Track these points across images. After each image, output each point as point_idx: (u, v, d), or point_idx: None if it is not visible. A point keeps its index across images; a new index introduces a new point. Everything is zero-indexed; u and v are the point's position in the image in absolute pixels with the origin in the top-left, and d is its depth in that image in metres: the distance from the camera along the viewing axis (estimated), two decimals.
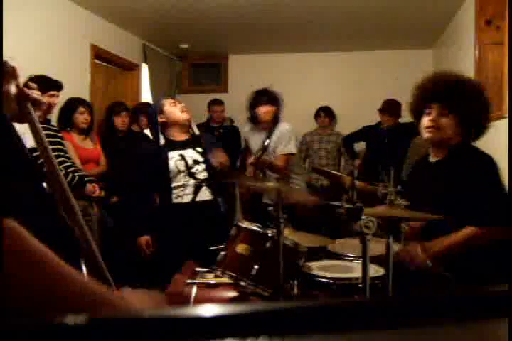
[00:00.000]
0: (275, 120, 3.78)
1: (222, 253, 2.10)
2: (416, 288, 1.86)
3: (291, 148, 3.71)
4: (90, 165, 3.66)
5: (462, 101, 1.92)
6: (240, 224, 2.17)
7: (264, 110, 3.78)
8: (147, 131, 4.68)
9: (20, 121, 1.00)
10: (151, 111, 3.10)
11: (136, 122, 4.45)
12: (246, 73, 6.22)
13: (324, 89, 6.03)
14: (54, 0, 4.00)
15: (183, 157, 2.93)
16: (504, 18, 3.12)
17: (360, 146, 5.31)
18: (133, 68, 5.37)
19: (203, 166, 2.95)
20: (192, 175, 2.93)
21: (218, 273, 2.09)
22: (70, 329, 0.33)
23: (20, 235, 0.62)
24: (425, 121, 1.99)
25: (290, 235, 2.27)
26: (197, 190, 2.93)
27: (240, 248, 2.07)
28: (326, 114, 5.52)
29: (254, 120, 3.91)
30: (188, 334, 0.34)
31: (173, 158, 2.92)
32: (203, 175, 2.94)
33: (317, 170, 4.88)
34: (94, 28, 4.58)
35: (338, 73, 6.04)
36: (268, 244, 2.05)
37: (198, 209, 2.93)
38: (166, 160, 2.91)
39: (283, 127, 3.78)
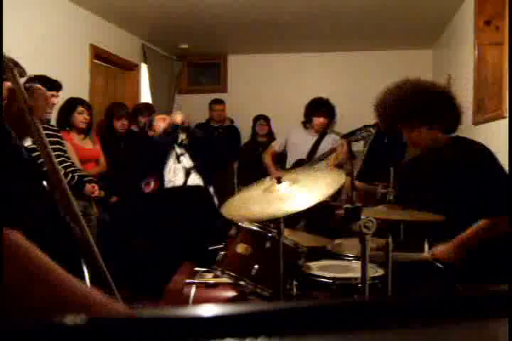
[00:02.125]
0: (325, 129, 4.21)
1: (222, 252, 2.10)
2: (416, 287, 1.86)
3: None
4: (90, 164, 3.65)
5: (412, 114, 1.97)
6: (239, 223, 2.17)
7: (321, 121, 4.13)
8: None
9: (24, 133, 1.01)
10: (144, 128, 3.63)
11: (135, 122, 4.45)
12: (246, 73, 6.22)
13: (324, 89, 6.02)
14: (54, 0, 4.00)
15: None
16: (503, 18, 3.12)
17: (358, 146, 5.31)
18: (132, 68, 5.37)
19: (187, 155, 3.50)
20: (180, 162, 3.35)
21: (218, 272, 2.09)
22: (70, 329, 0.33)
23: (23, 247, 0.62)
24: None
25: (290, 235, 2.27)
26: (187, 175, 3.36)
27: (240, 248, 2.07)
28: None
29: (306, 125, 4.26)
30: (187, 334, 0.34)
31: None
32: (188, 163, 3.43)
33: (310, 163, 4.98)
34: (93, 28, 4.57)
35: (338, 73, 6.04)
36: (268, 244, 2.05)
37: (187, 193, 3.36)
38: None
39: (333, 137, 4.21)
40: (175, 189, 3.26)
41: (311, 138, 4.12)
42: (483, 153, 1.93)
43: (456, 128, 2.06)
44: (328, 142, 4.11)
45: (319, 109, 4.12)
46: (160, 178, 3.32)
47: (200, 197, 3.35)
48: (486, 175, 1.88)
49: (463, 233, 1.89)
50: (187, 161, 3.41)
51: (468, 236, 1.88)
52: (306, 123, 4.23)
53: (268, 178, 3.90)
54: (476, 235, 1.87)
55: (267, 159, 4.25)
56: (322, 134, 4.13)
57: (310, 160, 4.08)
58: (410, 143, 2.07)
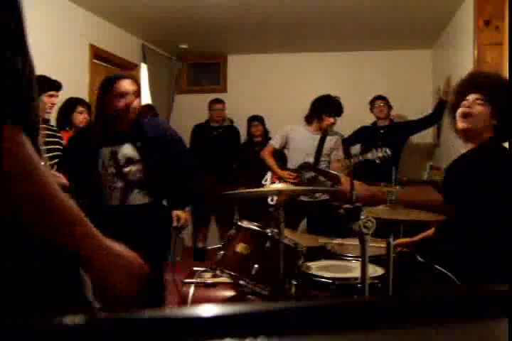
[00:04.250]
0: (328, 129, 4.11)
1: (222, 252, 2.11)
2: (416, 287, 1.86)
3: (342, 154, 4.15)
4: None
5: (497, 91, 1.93)
6: (239, 223, 2.17)
7: (331, 121, 4.01)
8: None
9: None
10: (102, 87, 2.61)
11: None
12: (245, 73, 6.22)
13: (323, 89, 6.01)
14: (53, 0, 3.99)
15: (114, 155, 2.57)
16: (503, 18, 3.12)
17: (355, 149, 5.31)
18: (132, 68, 5.36)
19: (138, 166, 2.59)
20: (122, 176, 2.58)
21: (218, 272, 2.09)
22: (69, 330, 0.33)
23: (20, 143, 0.68)
24: (460, 109, 1.98)
25: (290, 235, 2.27)
26: (125, 193, 2.59)
27: (240, 247, 2.07)
28: None
29: (310, 122, 4.09)
30: (186, 334, 0.34)
31: (104, 154, 2.58)
32: (137, 177, 2.59)
33: (316, 170, 4.91)
34: (93, 27, 4.57)
35: (338, 73, 6.04)
36: (268, 244, 2.05)
37: (127, 214, 2.59)
38: (96, 158, 2.57)
39: (335, 134, 4.16)
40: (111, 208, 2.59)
41: (314, 137, 4.02)
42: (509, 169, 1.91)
43: (507, 134, 1.99)
44: (331, 142, 4.03)
45: (334, 109, 3.99)
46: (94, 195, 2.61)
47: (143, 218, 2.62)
48: (496, 187, 1.85)
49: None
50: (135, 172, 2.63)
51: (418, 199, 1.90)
52: (312, 119, 4.05)
53: (268, 177, 3.81)
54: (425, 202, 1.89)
55: (268, 157, 4.17)
56: (324, 133, 4.04)
57: (316, 164, 3.99)
58: (465, 113, 1.96)
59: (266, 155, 4.20)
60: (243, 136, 5.64)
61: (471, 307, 0.37)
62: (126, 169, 2.56)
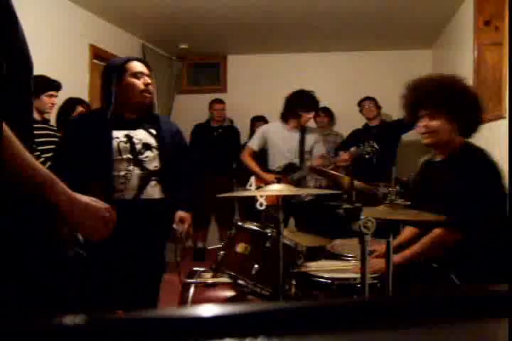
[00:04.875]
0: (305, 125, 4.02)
1: (222, 252, 2.11)
2: (416, 287, 1.87)
3: (324, 149, 4.06)
4: None
5: (446, 101, 1.96)
6: (239, 223, 2.17)
7: (309, 117, 3.93)
8: None
9: None
10: (112, 68, 2.46)
11: None
12: (245, 73, 6.22)
13: (323, 89, 6.01)
14: (53, 0, 3.99)
15: (129, 139, 2.32)
16: (503, 19, 3.12)
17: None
18: None
19: (155, 153, 2.35)
20: (138, 163, 2.30)
21: (218, 272, 2.09)
22: (69, 330, 0.33)
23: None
24: (418, 130, 2.05)
25: (290, 235, 2.27)
26: (143, 184, 2.31)
27: (240, 247, 2.07)
28: (325, 114, 5.53)
29: (287, 120, 3.97)
30: (186, 334, 0.34)
31: (118, 138, 2.31)
32: (153, 166, 2.34)
33: (316, 170, 4.90)
34: (93, 28, 4.57)
35: (337, 73, 6.04)
36: (268, 244, 2.05)
37: (141, 209, 2.31)
38: (108, 139, 2.28)
39: (314, 130, 4.07)
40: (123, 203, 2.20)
41: (293, 135, 3.89)
42: (483, 168, 1.94)
43: (471, 132, 2.04)
44: (311, 139, 3.92)
45: (310, 104, 3.89)
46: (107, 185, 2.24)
47: (156, 215, 2.36)
48: (469, 186, 1.90)
49: (412, 246, 1.96)
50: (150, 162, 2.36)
51: (417, 247, 1.94)
52: (288, 117, 3.93)
53: (253, 182, 3.75)
54: (424, 245, 1.94)
55: (249, 161, 3.98)
56: (303, 130, 3.91)
57: (301, 163, 3.90)
58: (425, 132, 2.02)
59: (246, 158, 4.01)
60: (243, 136, 5.64)
61: (471, 307, 0.37)
62: (143, 155, 2.31)
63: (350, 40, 5.52)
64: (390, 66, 5.78)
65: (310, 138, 3.93)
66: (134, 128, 2.35)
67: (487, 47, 3.53)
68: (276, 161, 3.93)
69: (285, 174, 3.81)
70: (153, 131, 2.39)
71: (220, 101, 5.52)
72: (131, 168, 2.27)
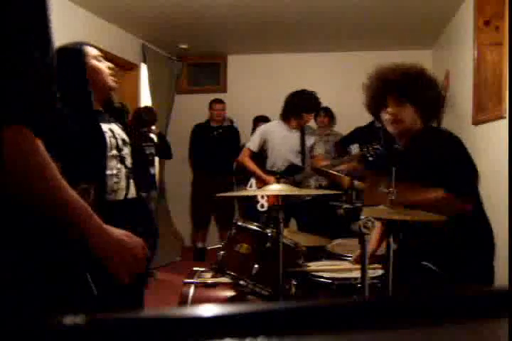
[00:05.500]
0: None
1: (222, 252, 2.10)
2: (415, 287, 1.87)
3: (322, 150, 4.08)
4: None
5: (410, 87, 2.04)
6: (239, 223, 2.17)
7: (310, 118, 3.92)
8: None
9: None
10: (73, 54, 2.22)
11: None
12: (245, 73, 6.22)
13: (323, 89, 6.02)
14: (53, 0, 3.99)
15: (112, 133, 2.06)
16: (503, 18, 3.12)
17: (356, 149, 5.31)
18: (132, 68, 5.36)
19: (129, 149, 2.14)
20: (123, 160, 2.08)
21: (218, 272, 2.09)
22: (69, 330, 0.33)
23: (34, 142, 0.75)
24: (385, 115, 2.07)
25: (290, 235, 2.27)
26: (128, 182, 2.11)
27: (240, 247, 2.07)
28: (325, 114, 5.52)
29: (287, 120, 3.94)
30: (186, 334, 0.34)
31: (106, 132, 2.02)
32: (129, 162, 2.13)
33: (316, 170, 4.89)
34: (93, 28, 4.57)
35: (338, 73, 6.04)
36: (268, 244, 2.05)
37: (130, 209, 2.14)
38: (101, 134, 1.99)
39: (313, 130, 4.08)
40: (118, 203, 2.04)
41: (293, 136, 3.87)
42: (448, 141, 1.98)
43: (432, 118, 2.10)
44: (311, 139, 3.91)
45: (313, 105, 3.88)
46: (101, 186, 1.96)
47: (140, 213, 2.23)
48: (452, 161, 1.92)
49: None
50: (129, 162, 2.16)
51: (420, 194, 1.91)
52: (289, 117, 3.89)
53: (253, 181, 3.67)
54: (425, 195, 1.90)
55: (249, 163, 3.93)
56: (302, 130, 3.89)
57: (303, 164, 3.88)
58: (392, 120, 2.05)
59: (245, 159, 3.97)
60: (243, 136, 5.64)
61: (471, 307, 0.37)
62: (124, 152, 2.08)
63: (350, 40, 5.52)
64: None
65: (309, 139, 3.93)
66: (109, 122, 2.08)
67: (487, 47, 3.53)
68: (277, 162, 3.91)
69: (287, 175, 3.80)
70: (121, 126, 2.16)
71: (220, 101, 5.53)
72: (119, 165, 2.06)
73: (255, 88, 6.16)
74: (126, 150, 2.10)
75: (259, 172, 3.86)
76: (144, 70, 5.56)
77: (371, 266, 1.89)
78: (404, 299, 0.38)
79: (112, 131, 2.06)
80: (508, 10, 2.90)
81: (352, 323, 0.35)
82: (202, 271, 2.38)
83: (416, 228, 1.97)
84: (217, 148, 5.40)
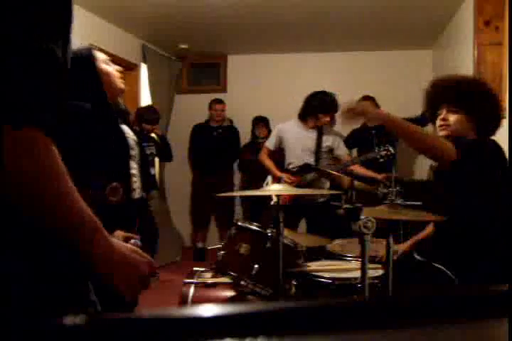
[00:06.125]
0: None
1: (222, 252, 2.10)
2: (415, 287, 1.87)
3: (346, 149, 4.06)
4: None
5: (465, 97, 2.00)
6: (239, 223, 2.17)
7: (327, 119, 3.88)
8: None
9: None
10: (85, 58, 1.98)
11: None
12: (245, 73, 6.22)
13: (324, 90, 6.02)
14: None
15: (129, 134, 2.15)
16: (503, 19, 3.12)
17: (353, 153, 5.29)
18: (132, 68, 5.36)
19: (138, 149, 2.21)
20: (136, 160, 2.16)
21: (218, 272, 2.09)
22: (69, 330, 0.33)
23: (49, 148, 0.70)
24: (437, 123, 2.06)
25: (290, 235, 2.27)
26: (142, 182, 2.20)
27: (240, 247, 2.07)
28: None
29: (305, 119, 3.94)
30: (186, 334, 0.34)
31: (127, 133, 2.11)
32: (139, 162, 2.20)
33: (317, 170, 4.89)
34: (93, 28, 4.57)
35: (338, 73, 6.04)
36: (268, 244, 2.05)
37: (143, 207, 2.28)
38: (123, 134, 2.07)
39: (332, 131, 4.03)
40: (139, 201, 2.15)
41: (310, 135, 3.89)
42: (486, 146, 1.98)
43: (489, 132, 2.08)
44: (329, 140, 3.91)
45: (332, 108, 3.85)
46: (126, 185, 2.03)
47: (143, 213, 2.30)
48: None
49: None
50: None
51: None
52: (306, 117, 3.91)
53: (269, 179, 3.74)
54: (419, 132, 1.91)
55: (266, 160, 4.04)
56: (320, 130, 3.90)
57: (316, 164, 3.87)
58: (440, 124, 2.04)
59: (263, 157, 4.07)
60: (243, 136, 5.64)
61: (471, 307, 0.37)
62: (135, 152, 2.16)
63: (350, 40, 5.52)
64: (390, 66, 5.78)
65: (327, 139, 3.90)
66: (120, 123, 2.13)
67: (487, 47, 3.53)
68: (293, 160, 3.92)
69: (300, 175, 3.82)
70: (128, 126, 2.20)
71: (220, 101, 5.53)
72: (135, 165, 2.14)
73: (255, 88, 6.16)
74: (137, 151, 2.16)
75: (274, 170, 3.93)
76: (144, 70, 5.56)
77: (371, 266, 1.89)
78: (405, 299, 0.38)
79: (127, 131, 2.12)
80: (508, 10, 2.90)
81: (352, 323, 0.35)
82: (202, 271, 2.38)
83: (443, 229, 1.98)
84: (217, 148, 5.40)
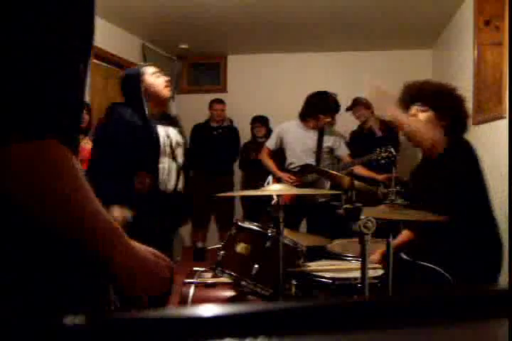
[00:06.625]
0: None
1: (222, 252, 2.10)
2: (415, 287, 1.87)
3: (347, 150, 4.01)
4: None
5: (433, 96, 2.19)
6: (239, 223, 2.17)
7: (328, 120, 3.88)
8: None
9: None
10: (131, 76, 2.57)
11: None
12: (245, 73, 6.22)
13: (324, 89, 6.02)
14: None
15: (167, 134, 2.56)
16: (503, 18, 3.12)
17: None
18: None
19: (182, 149, 2.62)
20: (174, 158, 2.56)
21: (218, 272, 2.09)
22: (69, 330, 0.33)
23: (69, 158, 0.69)
24: None
25: (290, 235, 2.27)
26: (177, 177, 2.57)
27: (240, 247, 2.07)
28: None
29: (305, 119, 3.93)
30: (186, 334, 0.34)
31: (161, 133, 2.52)
32: (181, 160, 2.60)
33: (316, 170, 4.89)
34: None
35: (338, 73, 6.04)
36: (268, 244, 2.05)
37: (177, 200, 2.60)
38: (156, 134, 2.47)
39: (334, 131, 4.03)
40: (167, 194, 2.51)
41: (310, 136, 3.88)
42: (462, 160, 2.11)
43: (458, 132, 2.23)
44: (330, 140, 3.89)
45: (333, 109, 3.86)
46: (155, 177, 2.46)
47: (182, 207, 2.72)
48: (448, 176, 2.02)
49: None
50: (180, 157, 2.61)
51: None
52: (307, 117, 3.90)
53: (270, 179, 3.76)
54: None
55: (267, 160, 4.04)
56: (321, 131, 3.88)
57: (317, 164, 3.86)
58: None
59: (264, 157, 4.07)
60: (243, 136, 5.64)
61: (471, 307, 0.37)
62: (176, 150, 2.56)
63: (350, 40, 5.52)
64: (390, 66, 5.77)
65: (328, 139, 3.88)
66: (167, 125, 2.56)
67: (487, 47, 3.53)
68: (293, 161, 3.92)
69: (300, 175, 3.81)
70: (177, 129, 2.63)
71: (220, 101, 5.53)
72: (170, 161, 2.52)
73: (255, 88, 6.16)
74: (180, 150, 2.57)
75: (275, 169, 3.94)
76: None
77: (371, 266, 1.89)
78: (404, 299, 0.38)
79: (167, 132, 2.53)
80: (508, 10, 2.90)
81: (352, 323, 0.35)
82: (202, 271, 2.38)
83: (423, 229, 1.99)
84: (217, 148, 5.39)
